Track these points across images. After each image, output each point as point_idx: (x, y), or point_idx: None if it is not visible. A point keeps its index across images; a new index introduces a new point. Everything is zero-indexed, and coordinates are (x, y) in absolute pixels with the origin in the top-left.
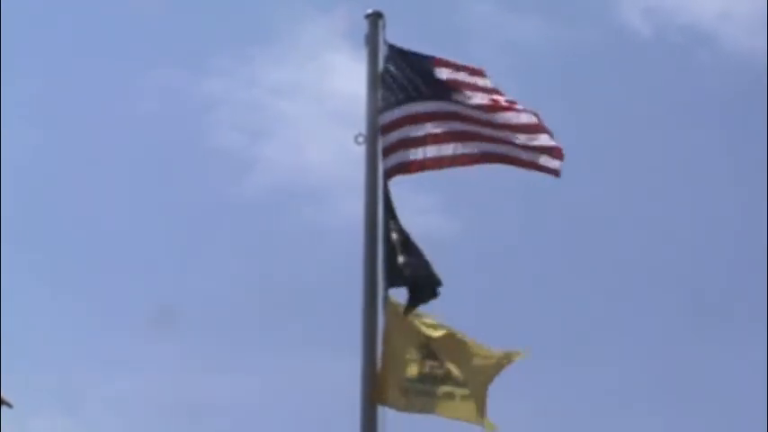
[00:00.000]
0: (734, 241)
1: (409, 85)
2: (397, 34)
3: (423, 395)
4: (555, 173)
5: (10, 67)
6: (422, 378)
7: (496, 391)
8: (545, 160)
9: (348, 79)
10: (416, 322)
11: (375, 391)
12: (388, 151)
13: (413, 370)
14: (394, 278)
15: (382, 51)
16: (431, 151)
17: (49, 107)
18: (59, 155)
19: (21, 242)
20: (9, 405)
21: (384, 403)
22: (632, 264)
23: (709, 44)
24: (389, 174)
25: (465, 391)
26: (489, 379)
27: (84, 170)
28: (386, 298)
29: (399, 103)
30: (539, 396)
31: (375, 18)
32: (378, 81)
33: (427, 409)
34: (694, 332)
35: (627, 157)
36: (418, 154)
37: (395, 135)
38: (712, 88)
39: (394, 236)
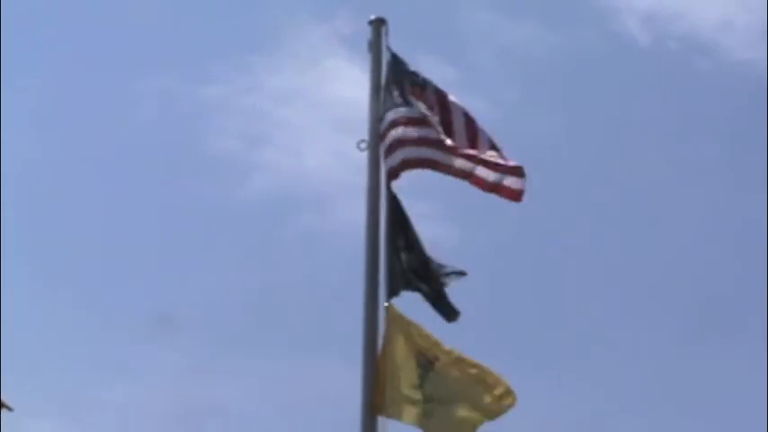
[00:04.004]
0: (734, 250)
1: (404, 92)
2: (396, 41)
3: (419, 409)
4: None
5: (9, 72)
6: (419, 391)
7: None
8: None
9: (348, 86)
10: (415, 333)
11: (376, 403)
12: (387, 154)
13: (412, 381)
14: (397, 282)
15: (385, 57)
16: (419, 152)
17: (50, 113)
18: (59, 159)
19: (21, 247)
20: (9, 408)
21: (385, 415)
22: (632, 271)
23: (708, 53)
24: (390, 176)
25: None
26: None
27: (83, 175)
28: (387, 305)
29: (396, 106)
30: (539, 404)
31: (378, 24)
32: (380, 87)
33: (422, 425)
34: (695, 340)
35: (625, 166)
36: (410, 153)
37: (390, 137)
38: (711, 97)
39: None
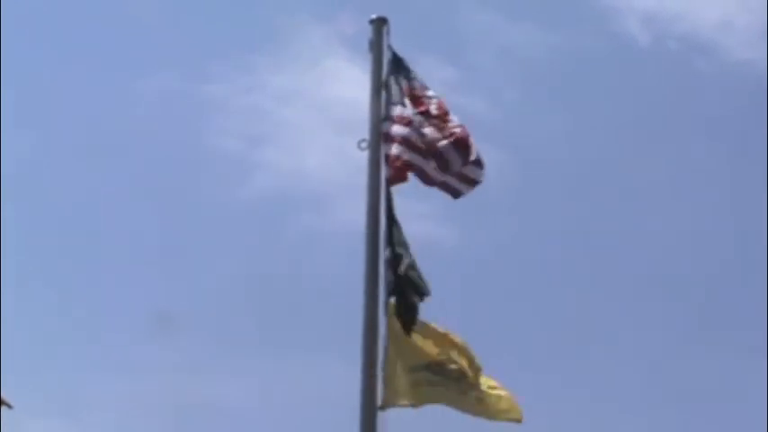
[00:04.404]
0: (734, 250)
1: (401, 91)
2: (397, 41)
3: (433, 385)
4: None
5: (10, 71)
6: (434, 368)
7: None
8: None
9: (349, 86)
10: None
11: (384, 397)
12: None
13: (424, 359)
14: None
15: (386, 57)
16: (398, 150)
17: (51, 112)
18: (60, 159)
19: (21, 244)
20: (9, 406)
21: (394, 405)
22: (632, 271)
23: (707, 53)
24: (391, 181)
25: (479, 394)
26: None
27: (84, 173)
28: (387, 303)
29: (394, 105)
30: (538, 404)
31: (379, 24)
32: (381, 87)
33: (439, 399)
34: (695, 340)
35: (625, 166)
36: (414, 160)
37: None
38: (711, 97)
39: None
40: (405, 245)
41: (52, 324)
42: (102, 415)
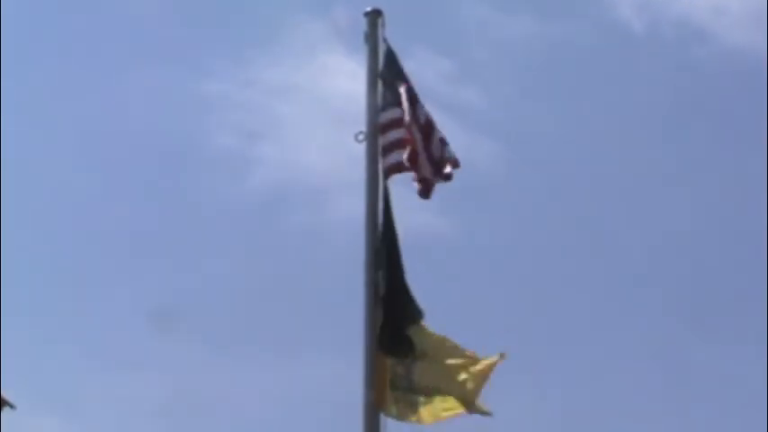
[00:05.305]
0: (732, 240)
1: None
2: (393, 33)
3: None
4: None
5: (8, 67)
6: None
7: (495, 394)
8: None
9: (345, 79)
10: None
11: (377, 398)
12: (387, 150)
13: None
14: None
15: (381, 49)
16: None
17: (46, 109)
18: (58, 155)
19: (21, 242)
20: (11, 406)
21: (382, 411)
22: (629, 263)
23: (702, 39)
24: (388, 172)
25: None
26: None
27: (82, 170)
28: None
29: (397, 102)
30: (534, 397)
31: (374, 16)
32: (377, 78)
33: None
34: (695, 340)
35: (622, 155)
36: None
37: (393, 134)
38: (706, 84)
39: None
40: (396, 264)
41: (52, 323)
42: (102, 414)
